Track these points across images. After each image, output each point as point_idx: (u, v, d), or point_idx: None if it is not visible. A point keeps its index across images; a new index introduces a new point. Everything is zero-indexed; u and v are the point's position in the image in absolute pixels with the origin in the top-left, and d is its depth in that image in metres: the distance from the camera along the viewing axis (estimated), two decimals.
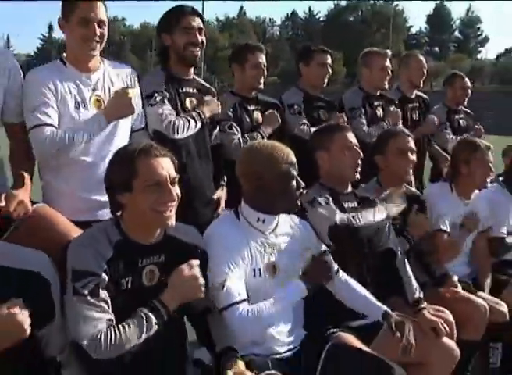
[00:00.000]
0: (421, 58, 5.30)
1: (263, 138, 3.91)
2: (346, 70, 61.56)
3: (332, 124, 3.66)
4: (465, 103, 5.62)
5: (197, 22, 3.46)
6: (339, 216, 3.02)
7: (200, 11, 3.64)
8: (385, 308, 2.96)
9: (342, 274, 2.97)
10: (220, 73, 60.18)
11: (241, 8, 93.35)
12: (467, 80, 5.62)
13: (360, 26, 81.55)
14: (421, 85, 5.27)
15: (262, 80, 4.10)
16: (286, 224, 2.85)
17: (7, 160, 2.92)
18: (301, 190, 2.77)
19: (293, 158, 2.75)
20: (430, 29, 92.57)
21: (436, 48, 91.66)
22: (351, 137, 3.26)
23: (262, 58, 4.09)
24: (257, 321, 2.54)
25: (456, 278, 3.66)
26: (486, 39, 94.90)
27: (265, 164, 2.68)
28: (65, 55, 2.98)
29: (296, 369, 2.57)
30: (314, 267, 2.74)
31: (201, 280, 2.34)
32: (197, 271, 2.35)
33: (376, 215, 3.18)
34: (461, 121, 5.53)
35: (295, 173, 2.73)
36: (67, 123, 2.84)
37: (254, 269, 2.65)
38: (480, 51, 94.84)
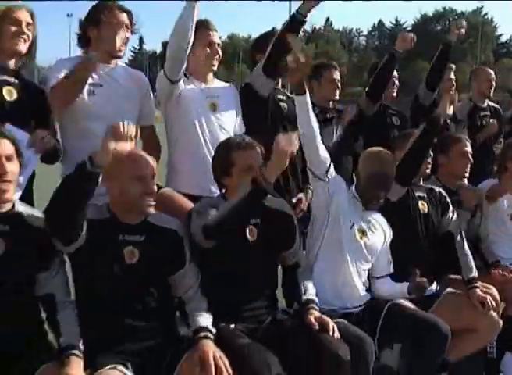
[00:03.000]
0: (490, 71, 5.81)
1: None
2: None
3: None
4: (491, 95, 5.75)
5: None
6: None
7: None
8: None
9: None
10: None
11: (327, 19, 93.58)
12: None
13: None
14: (491, 95, 5.73)
15: (337, 93, 4.67)
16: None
17: None
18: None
19: (390, 171, 3.45)
20: None
21: None
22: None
23: (336, 75, 4.66)
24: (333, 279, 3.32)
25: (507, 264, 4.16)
26: None
27: (366, 164, 3.48)
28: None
29: (361, 322, 3.21)
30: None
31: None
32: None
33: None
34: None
35: (383, 181, 3.41)
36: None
37: (351, 222, 3.38)
38: None
